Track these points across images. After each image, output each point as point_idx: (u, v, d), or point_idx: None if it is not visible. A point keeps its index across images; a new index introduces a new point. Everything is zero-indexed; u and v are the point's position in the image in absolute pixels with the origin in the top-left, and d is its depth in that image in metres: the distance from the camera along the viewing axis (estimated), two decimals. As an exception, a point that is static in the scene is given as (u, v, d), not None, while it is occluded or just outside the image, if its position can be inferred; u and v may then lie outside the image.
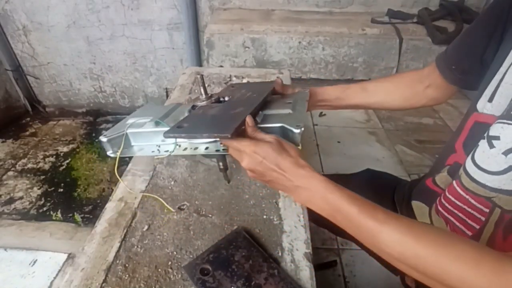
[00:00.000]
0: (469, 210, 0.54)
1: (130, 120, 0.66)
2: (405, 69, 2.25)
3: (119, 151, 0.62)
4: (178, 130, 0.53)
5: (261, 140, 0.51)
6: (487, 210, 0.52)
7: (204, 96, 0.64)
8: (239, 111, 0.57)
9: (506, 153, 0.47)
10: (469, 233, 0.56)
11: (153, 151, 0.63)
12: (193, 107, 0.65)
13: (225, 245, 0.60)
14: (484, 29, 0.57)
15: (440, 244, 0.39)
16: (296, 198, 0.52)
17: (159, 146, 0.63)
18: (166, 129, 0.58)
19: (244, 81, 1.17)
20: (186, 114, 0.64)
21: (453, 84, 0.67)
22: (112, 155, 0.63)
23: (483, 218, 0.53)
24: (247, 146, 0.50)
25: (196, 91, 1.10)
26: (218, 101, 0.66)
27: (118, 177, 0.73)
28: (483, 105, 0.54)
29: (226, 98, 0.67)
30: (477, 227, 0.55)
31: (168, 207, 0.64)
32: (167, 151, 0.61)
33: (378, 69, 2.08)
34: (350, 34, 2.03)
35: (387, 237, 0.42)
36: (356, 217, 0.44)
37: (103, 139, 0.61)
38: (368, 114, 2.19)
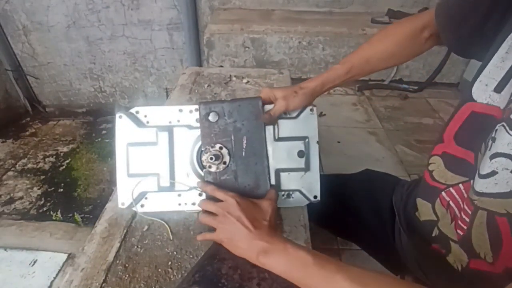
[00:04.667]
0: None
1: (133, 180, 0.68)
2: (405, 69, 2.25)
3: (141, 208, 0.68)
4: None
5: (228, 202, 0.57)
6: (469, 212, 0.50)
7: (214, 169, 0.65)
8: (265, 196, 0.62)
9: (491, 157, 0.45)
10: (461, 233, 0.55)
11: (179, 204, 0.68)
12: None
13: (208, 261, 0.56)
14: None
15: None
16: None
17: (179, 195, 0.68)
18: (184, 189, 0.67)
19: (244, 81, 1.17)
20: (190, 169, 0.67)
21: (451, 49, 0.65)
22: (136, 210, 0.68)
23: (467, 219, 0.52)
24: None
25: (197, 91, 1.11)
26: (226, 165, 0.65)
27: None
28: (487, 95, 0.49)
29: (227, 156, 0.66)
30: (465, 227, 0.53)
31: (170, 234, 0.66)
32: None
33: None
34: (350, 34, 2.03)
35: None
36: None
37: (123, 207, 0.67)
38: (368, 114, 2.19)
